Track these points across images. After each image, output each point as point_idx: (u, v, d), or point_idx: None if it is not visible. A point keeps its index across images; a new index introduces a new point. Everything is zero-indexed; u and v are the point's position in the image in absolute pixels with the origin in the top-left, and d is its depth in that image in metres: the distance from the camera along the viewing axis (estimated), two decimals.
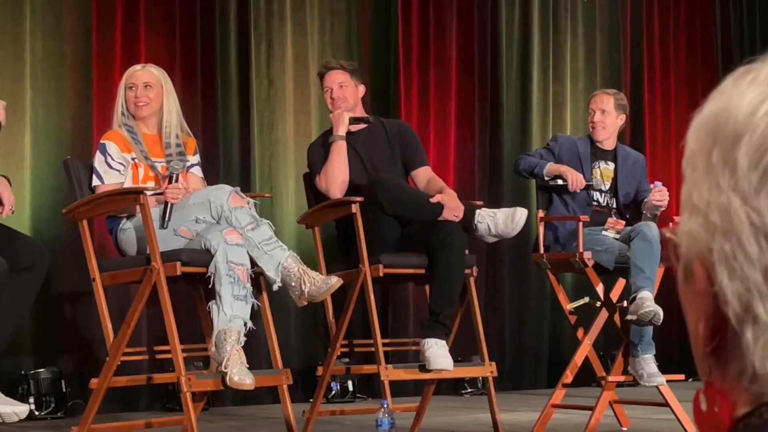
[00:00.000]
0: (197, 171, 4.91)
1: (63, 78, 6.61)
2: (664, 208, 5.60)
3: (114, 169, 4.71)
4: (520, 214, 4.98)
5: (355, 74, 5.29)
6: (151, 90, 4.83)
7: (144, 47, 6.84)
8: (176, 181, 4.70)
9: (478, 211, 5.02)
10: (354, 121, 5.19)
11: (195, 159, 4.92)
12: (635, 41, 8.82)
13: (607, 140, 5.68)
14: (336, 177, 5.11)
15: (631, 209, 5.70)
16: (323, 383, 5.10)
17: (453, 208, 4.96)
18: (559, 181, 5.52)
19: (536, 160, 5.60)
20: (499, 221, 4.98)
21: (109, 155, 4.71)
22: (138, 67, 4.95)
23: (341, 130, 5.16)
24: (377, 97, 7.51)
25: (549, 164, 5.55)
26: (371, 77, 7.48)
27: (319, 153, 5.22)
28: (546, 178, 5.55)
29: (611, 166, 5.68)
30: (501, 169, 7.98)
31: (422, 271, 5.00)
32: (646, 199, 5.59)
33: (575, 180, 5.48)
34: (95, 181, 4.72)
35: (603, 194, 5.65)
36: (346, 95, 5.21)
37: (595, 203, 5.61)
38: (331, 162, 5.14)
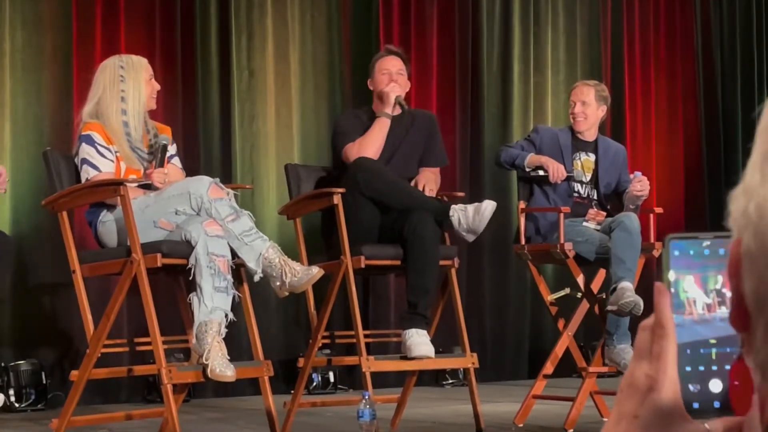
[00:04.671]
0: (176, 162, 4.88)
1: (43, 69, 6.58)
2: (645, 198, 5.61)
3: (108, 158, 4.64)
4: (486, 206, 4.99)
5: (407, 64, 5.40)
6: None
7: (124, 38, 6.82)
8: (164, 152, 4.69)
9: (453, 206, 5.04)
10: (398, 101, 5.23)
11: (173, 149, 4.88)
12: (615, 33, 8.83)
13: (588, 131, 5.68)
14: (370, 147, 5.15)
15: (612, 200, 5.70)
16: (304, 375, 5.10)
17: (428, 180, 5.11)
18: (540, 172, 5.52)
19: (517, 151, 5.60)
20: (469, 215, 5.00)
21: (99, 144, 4.62)
22: (141, 57, 4.87)
23: (389, 109, 5.21)
24: (358, 88, 7.50)
25: (530, 155, 5.55)
26: (352, 69, 7.47)
27: (353, 123, 5.27)
28: (527, 170, 5.55)
29: (592, 157, 5.68)
30: (482, 160, 7.98)
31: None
32: (626, 190, 5.60)
33: (556, 171, 5.48)
34: (91, 173, 4.59)
35: (584, 185, 5.65)
36: (401, 83, 5.28)
37: (575, 194, 5.61)
38: (372, 133, 5.18)
